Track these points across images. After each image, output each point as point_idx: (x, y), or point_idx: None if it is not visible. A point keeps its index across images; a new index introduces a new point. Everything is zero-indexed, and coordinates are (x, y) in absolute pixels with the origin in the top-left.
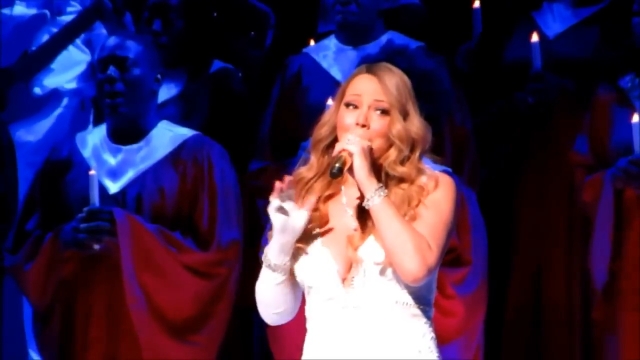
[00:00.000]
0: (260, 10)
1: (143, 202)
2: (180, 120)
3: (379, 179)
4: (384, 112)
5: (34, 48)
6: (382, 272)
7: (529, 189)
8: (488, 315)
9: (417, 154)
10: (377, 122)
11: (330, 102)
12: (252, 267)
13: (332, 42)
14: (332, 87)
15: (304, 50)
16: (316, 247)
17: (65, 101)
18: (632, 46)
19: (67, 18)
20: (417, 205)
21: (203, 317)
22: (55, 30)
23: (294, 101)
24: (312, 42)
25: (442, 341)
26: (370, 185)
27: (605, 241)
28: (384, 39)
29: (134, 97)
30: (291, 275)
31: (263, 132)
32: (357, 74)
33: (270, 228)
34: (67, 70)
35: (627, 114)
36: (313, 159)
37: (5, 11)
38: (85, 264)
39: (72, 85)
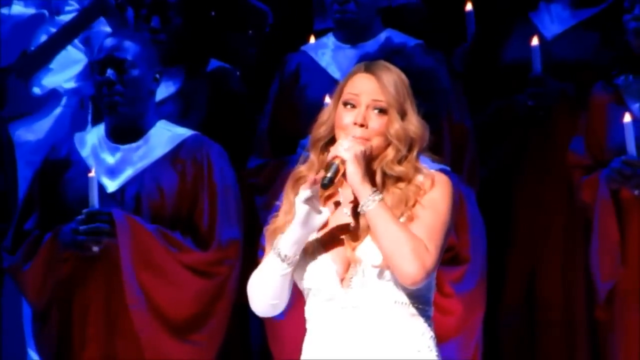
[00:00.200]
0: (258, 9)
1: (142, 201)
2: (178, 118)
3: (376, 179)
4: (382, 111)
5: (32, 48)
6: (381, 273)
7: (526, 190)
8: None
9: (414, 153)
10: (375, 122)
11: (327, 100)
12: (250, 265)
13: (330, 40)
14: (330, 85)
15: (302, 48)
16: (314, 248)
17: (64, 100)
18: (626, 45)
19: (65, 17)
20: (414, 205)
21: (203, 316)
22: (53, 29)
23: (292, 99)
24: (312, 39)
25: (440, 340)
26: (364, 191)
27: (606, 242)
28: (382, 37)
29: (132, 97)
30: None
31: (261, 130)
32: (355, 73)
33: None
34: (65, 70)
35: (623, 113)
36: (313, 157)
37: (4, 11)
38: (83, 264)
39: (71, 84)
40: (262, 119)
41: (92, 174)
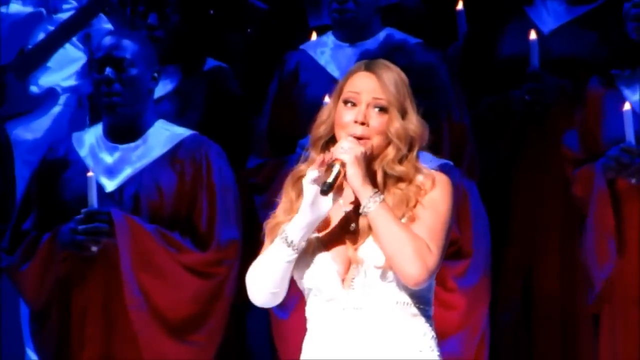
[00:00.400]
0: (257, 7)
1: (140, 200)
2: (175, 117)
3: (376, 179)
4: (383, 109)
5: (30, 46)
6: (383, 274)
7: (524, 186)
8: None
9: (414, 152)
10: (376, 120)
11: (327, 99)
12: (249, 265)
13: (329, 38)
14: (329, 84)
15: (301, 46)
16: (315, 248)
17: (62, 99)
18: (625, 37)
19: (63, 16)
20: (414, 206)
21: (202, 317)
22: (51, 28)
23: (292, 98)
24: (314, 36)
25: (444, 335)
26: (365, 192)
27: (602, 233)
28: (381, 35)
29: (131, 96)
30: None
31: (261, 129)
32: (355, 71)
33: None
34: (63, 68)
35: (619, 107)
36: (314, 155)
37: (2, 9)
38: (81, 264)
39: (69, 82)
40: (261, 119)
41: (91, 174)
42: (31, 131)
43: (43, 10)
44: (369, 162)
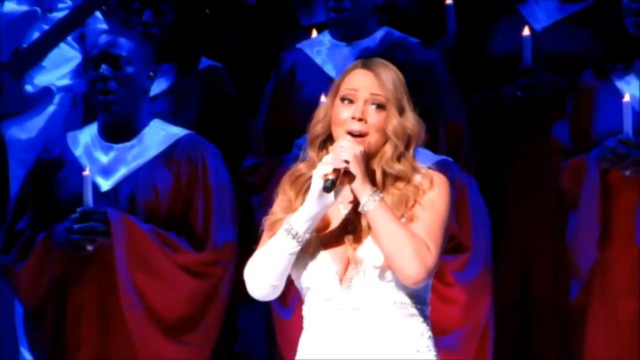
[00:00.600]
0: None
1: (136, 200)
2: (169, 116)
3: (376, 178)
4: (380, 106)
5: (25, 45)
6: (382, 274)
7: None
8: None
9: (411, 150)
10: (374, 117)
11: (323, 98)
12: (245, 265)
13: (326, 37)
14: (326, 83)
15: (298, 45)
16: (314, 247)
17: (57, 98)
18: (623, 32)
19: (58, 15)
20: (413, 206)
21: (197, 317)
22: (46, 27)
23: (288, 97)
24: (314, 33)
25: (445, 330)
26: (364, 191)
27: (591, 225)
28: (379, 34)
29: (126, 95)
30: None
31: (257, 129)
32: (353, 69)
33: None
34: (58, 67)
35: (612, 100)
36: (312, 154)
37: None
38: (76, 263)
39: (64, 82)
40: (257, 118)
41: (86, 172)
42: (26, 131)
43: (38, 9)
44: (367, 160)
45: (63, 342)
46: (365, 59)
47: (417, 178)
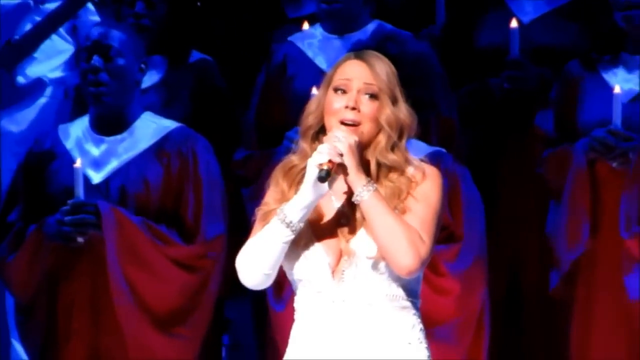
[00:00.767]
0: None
1: (127, 192)
2: (160, 108)
3: (370, 168)
4: (373, 96)
5: (17, 37)
6: (375, 265)
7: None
8: None
9: (404, 141)
10: (367, 106)
11: (314, 91)
12: (235, 258)
13: (317, 30)
14: (317, 76)
15: (289, 38)
16: (307, 239)
17: (49, 90)
18: (614, 25)
19: (50, 6)
20: (406, 198)
21: (187, 310)
22: (38, 19)
23: (279, 90)
24: (305, 25)
25: (439, 321)
26: (358, 181)
27: (576, 214)
28: (370, 27)
29: (117, 86)
30: None
31: (248, 121)
32: (345, 60)
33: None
34: (50, 59)
35: (598, 91)
36: (304, 146)
37: None
38: (67, 256)
39: (56, 74)
40: (248, 111)
41: (77, 164)
42: (17, 123)
43: (30, 1)
44: (361, 150)
45: (54, 334)
46: (358, 51)
47: (409, 170)
